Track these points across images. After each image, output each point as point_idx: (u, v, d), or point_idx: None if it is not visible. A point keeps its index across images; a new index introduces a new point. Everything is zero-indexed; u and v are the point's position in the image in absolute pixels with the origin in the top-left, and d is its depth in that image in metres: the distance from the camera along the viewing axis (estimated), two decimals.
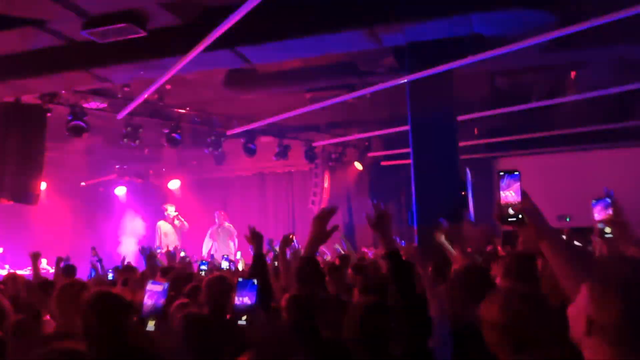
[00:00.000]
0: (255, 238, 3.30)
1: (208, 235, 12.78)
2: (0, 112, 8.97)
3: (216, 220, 12.84)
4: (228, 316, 3.07)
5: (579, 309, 1.40)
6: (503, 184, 1.78)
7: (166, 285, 2.56)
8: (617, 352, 1.33)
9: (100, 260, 7.22)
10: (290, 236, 4.27)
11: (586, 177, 10.61)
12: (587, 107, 9.38)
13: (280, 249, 4.09)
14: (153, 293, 2.49)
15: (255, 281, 2.58)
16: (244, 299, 2.54)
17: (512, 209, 1.75)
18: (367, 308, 2.58)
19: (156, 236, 12.99)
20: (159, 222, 13.20)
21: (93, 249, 7.75)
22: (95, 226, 13.58)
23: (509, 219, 1.75)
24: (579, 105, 9.08)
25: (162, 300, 2.46)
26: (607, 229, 2.20)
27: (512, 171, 1.78)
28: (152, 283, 2.56)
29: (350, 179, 13.74)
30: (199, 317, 2.95)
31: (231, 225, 12.83)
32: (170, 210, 13.21)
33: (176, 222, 13.07)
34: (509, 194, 1.76)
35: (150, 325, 2.39)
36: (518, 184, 1.76)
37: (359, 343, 2.49)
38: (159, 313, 2.45)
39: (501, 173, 1.80)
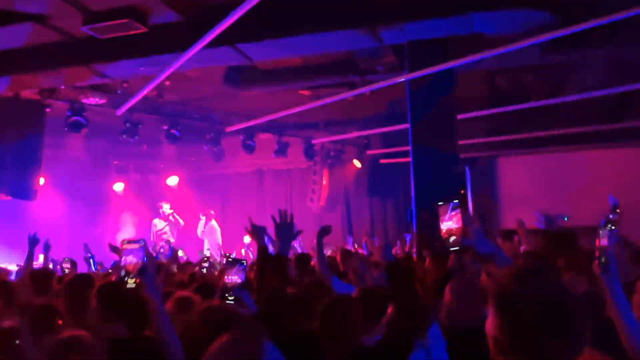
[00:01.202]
0: (256, 232, 3.29)
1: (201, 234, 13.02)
2: None
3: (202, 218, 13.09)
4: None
5: (488, 330, 1.40)
6: (444, 213, 1.80)
7: (143, 242, 2.48)
8: None
9: (92, 257, 7.24)
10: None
11: (585, 176, 10.66)
12: (587, 107, 9.40)
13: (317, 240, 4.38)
14: (130, 251, 2.40)
15: (244, 262, 2.62)
16: (233, 278, 2.58)
17: (454, 237, 1.77)
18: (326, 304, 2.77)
19: (150, 233, 13.05)
20: (154, 220, 13.25)
21: (85, 245, 7.74)
22: (93, 222, 13.56)
23: (451, 248, 1.77)
24: (578, 105, 9.09)
25: (141, 258, 2.40)
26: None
27: (452, 200, 1.79)
28: (128, 242, 2.45)
29: (349, 177, 13.76)
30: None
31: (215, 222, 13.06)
32: (166, 207, 13.26)
33: (171, 219, 13.15)
34: (451, 223, 1.78)
35: (131, 283, 2.36)
36: (458, 211, 1.77)
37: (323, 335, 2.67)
38: (142, 270, 2.36)
39: (440, 203, 1.81)
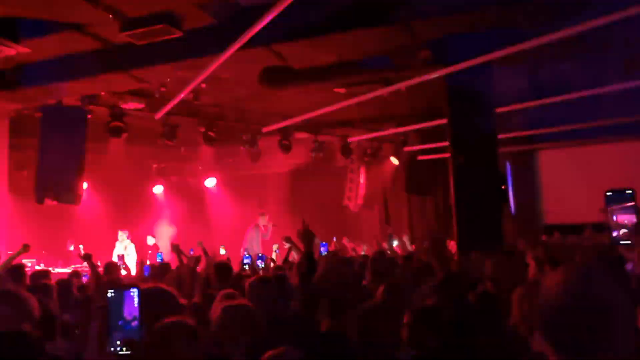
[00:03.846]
0: (305, 235, 3.27)
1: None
2: (43, 114, 9.20)
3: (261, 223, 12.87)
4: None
5: None
6: (618, 205, 1.68)
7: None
8: None
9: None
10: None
11: (631, 168, 10.29)
12: (632, 96, 9.08)
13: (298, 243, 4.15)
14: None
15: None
16: None
17: (625, 230, 1.66)
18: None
19: (247, 240, 12.82)
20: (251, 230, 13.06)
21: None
22: (134, 224, 13.81)
23: (621, 241, 1.65)
24: (623, 95, 8.80)
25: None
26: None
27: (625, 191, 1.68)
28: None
29: (387, 174, 13.65)
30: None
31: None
32: (262, 220, 13.10)
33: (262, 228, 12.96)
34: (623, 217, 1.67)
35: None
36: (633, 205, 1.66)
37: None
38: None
39: (609, 193, 1.71)
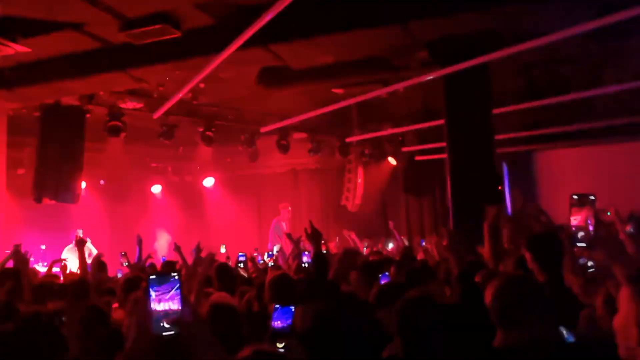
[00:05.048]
0: (314, 236, 3.32)
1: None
2: (41, 114, 9.21)
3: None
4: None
5: (627, 319, 1.26)
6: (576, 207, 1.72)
7: None
8: None
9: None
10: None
11: (627, 170, 10.34)
12: (629, 97, 9.13)
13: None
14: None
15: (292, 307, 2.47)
16: (281, 322, 2.37)
17: (583, 233, 1.70)
18: None
19: (274, 235, 12.66)
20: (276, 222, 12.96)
21: (124, 255, 7.84)
22: (133, 223, 13.82)
23: (578, 243, 1.70)
24: (618, 96, 8.84)
25: None
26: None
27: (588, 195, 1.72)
28: None
29: (384, 175, 13.68)
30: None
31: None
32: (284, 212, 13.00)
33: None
34: (579, 218, 1.71)
35: None
36: (589, 207, 1.70)
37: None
38: None
39: (575, 197, 1.74)
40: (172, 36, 6.58)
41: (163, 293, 1.72)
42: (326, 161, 13.75)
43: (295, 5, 5.30)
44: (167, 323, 1.69)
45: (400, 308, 2.53)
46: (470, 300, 2.47)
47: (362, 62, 8.52)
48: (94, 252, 12.03)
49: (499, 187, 7.08)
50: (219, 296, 3.00)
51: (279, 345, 2.26)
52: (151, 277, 1.74)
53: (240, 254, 7.63)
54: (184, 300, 1.70)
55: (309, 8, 6.22)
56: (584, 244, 1.67)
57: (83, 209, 11.92)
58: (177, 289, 1.73)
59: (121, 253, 7.93)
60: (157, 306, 1.72)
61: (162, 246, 12.98)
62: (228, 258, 8.89)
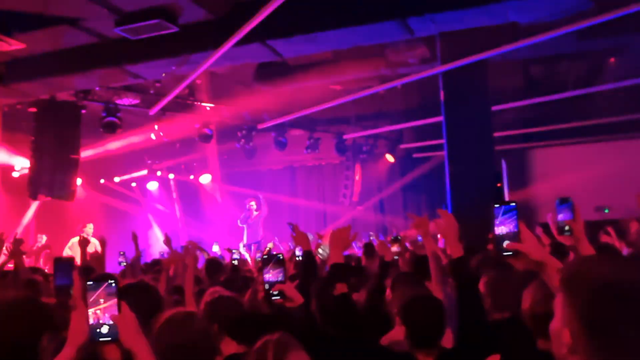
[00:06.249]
0: (301, 238, 3.35)
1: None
2: (36, 109, 9.15)
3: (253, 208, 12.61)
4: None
5: (559, 324, 1.24)
6: (498, 216, 1.73)
7: None
8: None
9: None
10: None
11: (625, 167, 10.32)
12: (626, 95, 9.12)
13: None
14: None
15: (281, 256, 2.58)
16: (273, 274, 2.51)
17: (507, 242, 1.71)
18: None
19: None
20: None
21: (122, 254, 7.78)
22: (129, 219, 13.78)
23: (504, 253, 1.69)
24: (617, 94, 8.83)
25: None
26: (567, 227, 2.27)
27: (509, 203, 1.74)
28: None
29: (382, 172, 13.66)
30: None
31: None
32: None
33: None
34: (503, 228, 1.71)
35: None
36: (514, 215, 1.72)
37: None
38: None
39: (496, 205, 1.74)
40: (169, 31, 6.53)
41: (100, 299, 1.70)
42: (323, 158, 13.72)
43: (293, 1, 5.26)
44: (109, 319, 1.66)
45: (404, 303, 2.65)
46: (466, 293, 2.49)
47: (360, 59, 8.50)
48: (99, 248, 12.01)
49: (498, 185, 7.05)
50: (214, 290, 2.97)
51: (274, 293, 2.40)
52: (88, 282, 1.70)
53: (234, 250, 7.62)
54: (120, 308, 1.67)
55: (307, 3, 6.19)
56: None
57: (79, 207, 11.86)
58: (114, 295, 1.70)
59: (119, 252, 7.87)
60: (93, 313, 1.68)
61: (157, 242, 12.94)
62: (222, 257, 8.85)
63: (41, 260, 9.28)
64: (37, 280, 4.24)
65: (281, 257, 2.49)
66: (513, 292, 2.59)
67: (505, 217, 1.70)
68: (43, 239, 10.54)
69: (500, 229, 1.69)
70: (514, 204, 1.70)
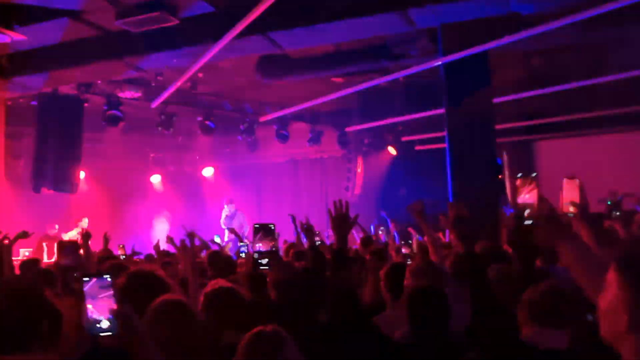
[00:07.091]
0: (309, 230, 3.38)
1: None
2: (38, 103, 9.17)
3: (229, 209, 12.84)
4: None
5: (614, 303, 1.24)
6: (523, 187, 1.77)
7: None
8: None
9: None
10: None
11: (628, 159, 10.30)
12: (629, 86, 9.07)
13: None
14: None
15: (272, 225, 2.60)
16: (263, 244, 2.55)
17: (529, 210, 1.76)
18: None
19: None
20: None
21: (121, 247, 7.80)
22: (132, 213, 13.80)
23: (525, 222, 1.75)
24: (620, 85, 8.78)
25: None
26: (571, 208, 2.30)
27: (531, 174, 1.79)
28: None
29: (384, 164, 13.64)
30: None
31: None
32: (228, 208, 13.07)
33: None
34: (528, 197, 1.78)
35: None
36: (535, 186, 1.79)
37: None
38: None
39: (519, 175, 1.80)
40: (170, 24, 6.52)
41: (98, 294, 1.70)
42: (326, 151, 13.70)
43: None
44: (109, 313, 1.66)
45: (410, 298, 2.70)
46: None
47: (362, 51, 8.47)
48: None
49: (500, 177, 7.04)
50: (215, 283, 2.98)
51: (263, 262, 2.44)
52: (84, 278, 1.71)
53: (240, 243, 7.60)
54: (119, 302, 1.67)
55: None
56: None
57: (81, 199, 11.89)
58: (110, 290, 1.70)
59: (119, 245, 7.88)
60: (92, 308, 1.69)
61: (162, 233, 12.96)
62: (222, 249, 8.85)
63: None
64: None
65: (272, 227, 2.49)
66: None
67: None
68: (85, 222, 10.61)
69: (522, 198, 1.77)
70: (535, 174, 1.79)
